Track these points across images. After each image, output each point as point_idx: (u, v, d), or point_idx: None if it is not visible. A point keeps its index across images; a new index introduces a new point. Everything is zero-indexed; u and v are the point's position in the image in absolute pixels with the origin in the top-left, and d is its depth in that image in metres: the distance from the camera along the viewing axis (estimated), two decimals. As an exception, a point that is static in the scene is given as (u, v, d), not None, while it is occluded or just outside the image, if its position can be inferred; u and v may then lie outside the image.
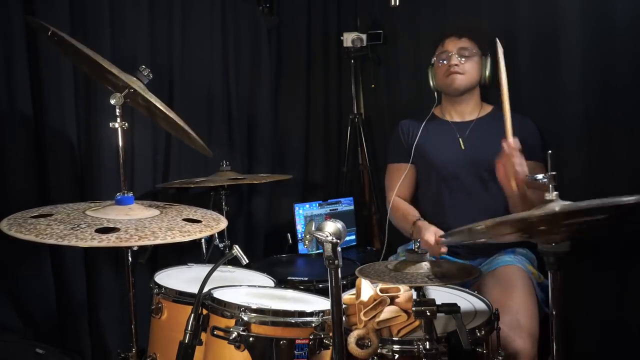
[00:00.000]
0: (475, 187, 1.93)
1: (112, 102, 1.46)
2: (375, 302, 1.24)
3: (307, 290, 1.73)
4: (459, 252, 1.93)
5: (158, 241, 1.20)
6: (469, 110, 2.03)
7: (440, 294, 1.49)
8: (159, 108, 1.54)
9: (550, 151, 1.17)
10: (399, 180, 2.07)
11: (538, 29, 1.96)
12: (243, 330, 1.29)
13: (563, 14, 1.84)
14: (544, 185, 1.13)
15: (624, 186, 1.72)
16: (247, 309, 1.31)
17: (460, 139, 1.98)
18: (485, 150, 1.87)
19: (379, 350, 1.20)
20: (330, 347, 1.27)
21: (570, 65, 1.84)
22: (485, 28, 2.04)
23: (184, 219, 1.38)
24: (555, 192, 1.15)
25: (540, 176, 1.18)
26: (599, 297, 1.82)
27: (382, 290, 1.27)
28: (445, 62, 1.99)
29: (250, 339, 1.29)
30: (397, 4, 1.82)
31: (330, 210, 2.66)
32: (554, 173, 1.16)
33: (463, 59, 1.96)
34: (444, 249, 1.72)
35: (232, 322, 1.32)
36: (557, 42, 1.87)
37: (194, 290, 1.40)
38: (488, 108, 2.04)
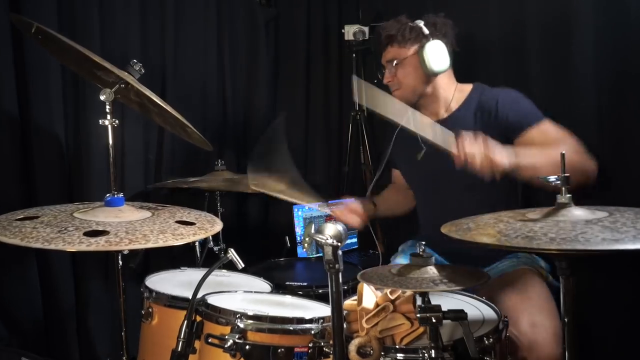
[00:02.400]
0: (460, 200, 1.85)
1: (102, 98, 1.46)
2: (378, 309, 1.24)
3: (307, 295, 1.73)
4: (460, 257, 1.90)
5: (149, 245, 1.20)
6: (437, 109, 1.92)
7: (446, 300, 1.48)
8: (154, 101, 1.54)
9: (563, 152, 1.17)
10: (392, 184, 2.23)
11: (548, 18, 1.96)
12: (239, 338, 1.29)
13: (575, 2, 1.85)
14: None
15: (639, 177, 1.72)
16: (243, 316, 1.31)
17: (423, 150, 1.90)
18: (446, 160, 1.72)
19: (381, 359, 1.19)
20: (331, 356, 1.27)
21: (582, 55, 1.84)
22: (406, 19, 1.92)
23: (177, 221, 1.37)
24: (568, 195, 1.15)
25: (552, 178, 1.17)
26: (613, 303, 1.82)
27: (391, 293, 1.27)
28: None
29: (247, 347, 1.29)
30: (400, -6, 1.83)
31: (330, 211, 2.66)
32: (567, 175, 1.16)
33: (393, 71, 1.90)
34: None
35: (227, 329, 1.32)
36: (568, 31, 1.87)
37: (187, 294, 1.40)
38: (466, 91, 1.90)
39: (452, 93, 1.91)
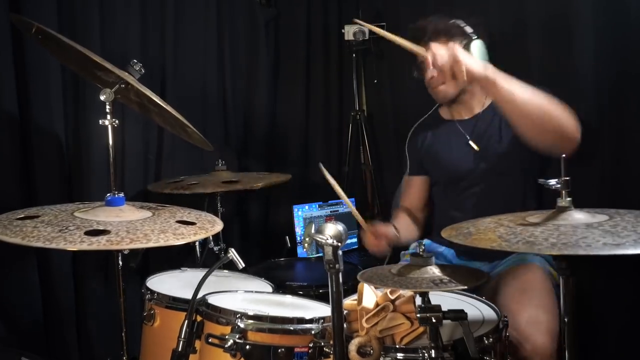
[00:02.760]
0: (492, 187, 1.90)
1: (102, 98, 1.47)
2: (378, 308, 1.24)
3: (307, 295, 1.73)
4: (474, 251, 1.92)
5: (150, 244, 1.20)
6: (472, 105, 1.96)
7: (446, 300, 1.49)
8: (154, 101, 1.55)
9: (564, 155, 1.17)
10: (406, 195, 2.15)
11: (548, 18, 1.96)
12: (239, 338, 1.29)
13: (575, 1, 1.86)
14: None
15: (639, 177, 1.73)
16: (244, 316, 1.32)
17: (471, 142, 1.93)
18: (496, 144, 1.88)
19: (381, 359, 1.20)
20: (331, 356, 1.27)
21: (582, 55, 1.85)
22: (457, 21, 1.89)
23: (178, 221, 1.38)
24: (569, 199, 1.16)
25: (553, 181, 1.18)
26: (613, 303, 1.83)
27: (391, 293, 1.27)
28: (424, 73, 1.92)
29: (247, 347, 1.29)
30: (401, -7, 1.84)
31: (330, 211, 2.67)
32: (567, 178, 1.16)
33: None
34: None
35: (227, 329, 1.32)
36: (568, 31, 1.88)
37: (188, 295, 1.40)
38: None
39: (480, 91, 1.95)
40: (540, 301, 1.60)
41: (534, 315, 1.55)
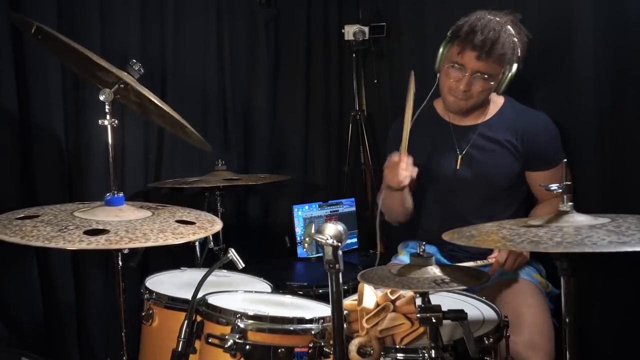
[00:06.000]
0: (470, 204, 1.89)
1: (102, 98, 1.46)
2: (378, 309, 1.24)
3: (307, 295, 1.73)
4: (459, 256, 1.90)
5: (149, 244, 1.20)
6: (473, 117, 1.90)
7: (446, 300, 1.48)
8: (153, 102, 1.54)
9: (565, 160, 1.17)
10: None
11: (549, 18, 1.96)
12: (239, 338, 1.29)
13: (575, 1, 1.85)
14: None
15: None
16: (244, 316, 1.31)
17: (459, 157, 1.88)
18: (486, 167, 1.85)
19: (381, 359, 1.19)
20: (331, 356, 1.27)
21: (583, 56, 1.85)
22: (516, 48, 1.75)
23: (177, 221, 1.37)
24: (570, 203, 1.15)
25: (554, 186, 1.17)
26: (613, 304, 1.82)
27: (391, 294, 1.27)
28: (453, 74, 1.77)
29: (247, 347, 1.29)
30: (401, -6, 1.82)
31: (330, 211, 2.66)
32: (568, 183, 1.15)
33: (471, 81, 1.75)
34: (407, 173, 1.70)
35: (227, 329, 1.32)
36: (569, 32, 1.88)
37: (187, 295, 1.40)
38: (499, 102, 1.90)
39: (490, 101, 1.90)
40: (537, 324, 1.61)
41: (532, 339, 1.56)
